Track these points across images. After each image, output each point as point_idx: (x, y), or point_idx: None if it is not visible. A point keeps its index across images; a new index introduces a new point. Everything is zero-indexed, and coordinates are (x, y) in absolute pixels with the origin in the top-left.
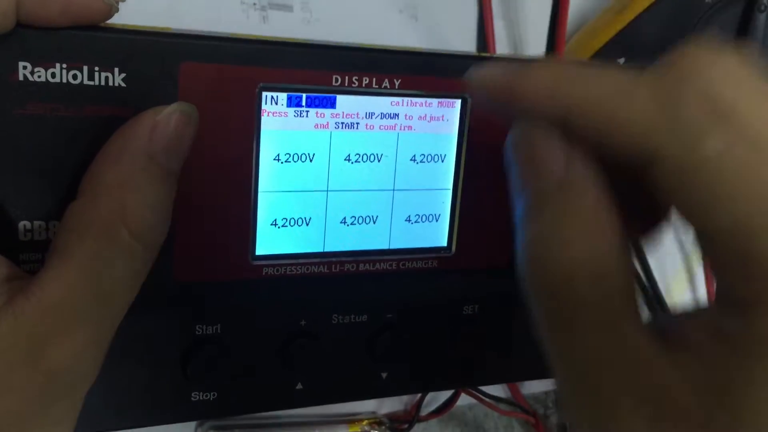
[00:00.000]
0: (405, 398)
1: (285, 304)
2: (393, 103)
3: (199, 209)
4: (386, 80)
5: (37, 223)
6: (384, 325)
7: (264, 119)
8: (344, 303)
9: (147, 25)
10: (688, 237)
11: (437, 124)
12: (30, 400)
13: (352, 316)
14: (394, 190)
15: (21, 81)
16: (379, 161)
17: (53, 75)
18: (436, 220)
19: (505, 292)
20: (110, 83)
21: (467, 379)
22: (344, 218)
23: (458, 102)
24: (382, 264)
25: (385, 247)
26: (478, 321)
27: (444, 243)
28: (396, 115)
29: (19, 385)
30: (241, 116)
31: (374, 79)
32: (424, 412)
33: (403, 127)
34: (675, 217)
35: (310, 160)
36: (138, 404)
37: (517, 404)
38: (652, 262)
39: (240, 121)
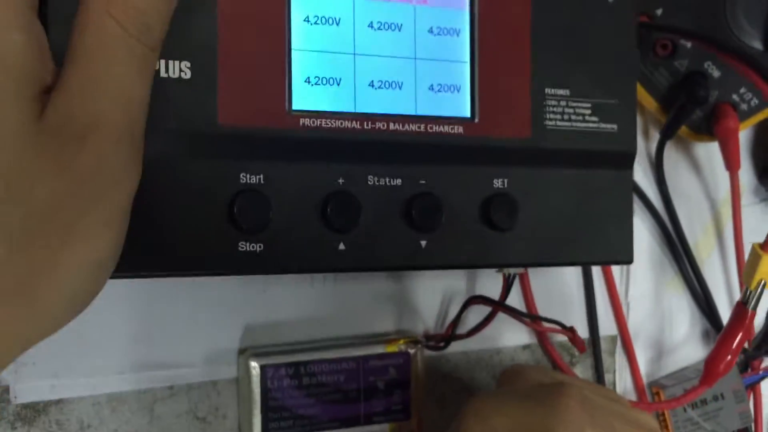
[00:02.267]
0: (438, 318)
1: (322, 160)
2: None
3: (241, 58)
4: None
5: None
6: (419, 192)
7: None
8: (378, 164)
9: None
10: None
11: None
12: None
13: (387, 179)
14: (415, 58)
15: None
16: (399, 30)
17: None
18: (458, 91)
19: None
20: None
21: (504, 256)
22: (372, 81)
23: None
24: (411, 126)
25: (412, 112)
26: (508, 193)
27: (467, 113)
28: None
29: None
30: None
31: None
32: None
33: (419, 0)
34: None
35: (337, 24)
36: (187, 250)
37: (552, 320)
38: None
39: None
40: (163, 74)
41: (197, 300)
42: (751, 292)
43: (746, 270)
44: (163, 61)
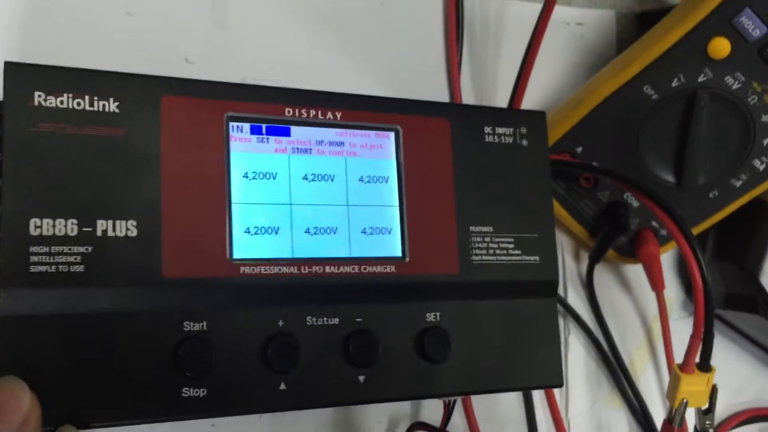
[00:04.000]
0: None
1: (263, 305)
2: (338, 134)
3: (183, 215)
4: (330, 113)
5: (45, 220)
6: (355, 330)
7: (232, 143)
8: (316, 305)
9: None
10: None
11: (378, 150)
12: None
13: (325, 319)
14: (348, 205)
15: (35, 106)
16: (332, 181)
17: (61, 102)
18: (389, 233)
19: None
20: (106, 109)
21: (440, 386)
22: (308, 228)
23: (392, 134)
24: (346, 267)
25: (347, 255)
26: (440, 326)
27: (399, 253)
28: (342, 143)
29: None
30: (213, 140)
31: (319, 112)
32: None
33: (349, 153)
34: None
35: (274, 178)
36: (133, 399)
37: None
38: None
39: (213, 144)
40: (110, 233)
41: None
42: (675, 411)
43: (669, 390)
44: (110, 222)
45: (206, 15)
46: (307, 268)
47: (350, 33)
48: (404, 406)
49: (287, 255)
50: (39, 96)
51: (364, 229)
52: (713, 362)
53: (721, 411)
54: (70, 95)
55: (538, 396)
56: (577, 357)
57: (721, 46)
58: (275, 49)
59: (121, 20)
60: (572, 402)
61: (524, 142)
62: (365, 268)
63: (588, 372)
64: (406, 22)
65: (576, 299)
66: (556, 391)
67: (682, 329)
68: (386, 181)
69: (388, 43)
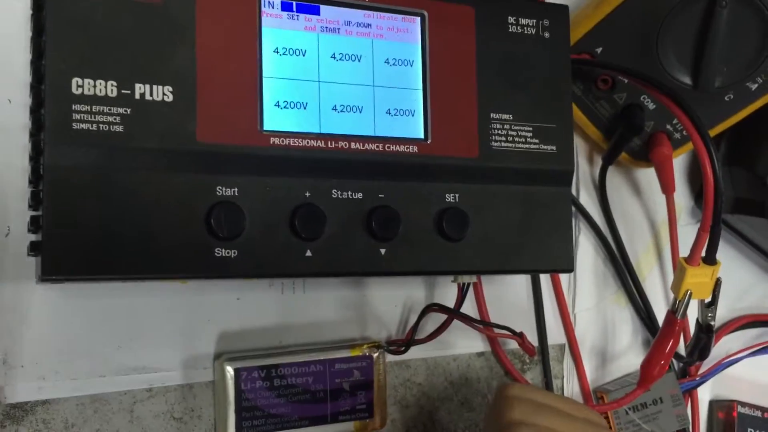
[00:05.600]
0: (399, 325)
1: (291, 176)
2: (366, 15)
3: (217, 85)
4: None
5: (86, 80)
6: (378, 205)
7: (264, 19)
8: (341, 179)
9: None
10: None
11: (403, 34)
12: None
13: (350, 193)
14: (374, 86)
15: None
16: (359, 61)
17: None
18: (412, 115)
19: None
20: None
21: (456, 263)
22: (335, 106)
23: (418, 19)
24: (370, 145)
25: (371, 133)
26: (458, 207)
27: (421, 135)
28: (369, 25)
29: None
30: (246, 14)
31: None
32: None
33: (375, 35)
34: None
35: (303, 55)
36: (166, 254)
37: (503, 326)
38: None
39: (245, 18)
40: (147, 97)
41: (176, 309)
42: (679, 302)
43: (674, 282)
44: (147, 86)
45: None
46: (333, 143)
47: None
48: (419, 292)
49: (315, 130)
50: None
51: (389, 110)
52: None
53: (723, 315)
54: None
55: (546, 290)
56: (586, 256)
57: None
58: None
59: None
60: (579, 298)
61: (546, 35)
62: (389, 147)
63: (596, 271)
64: None
65: (588, 200)
66: (564, 286)
67: (688, 234)
68: (411, 65)
69: None
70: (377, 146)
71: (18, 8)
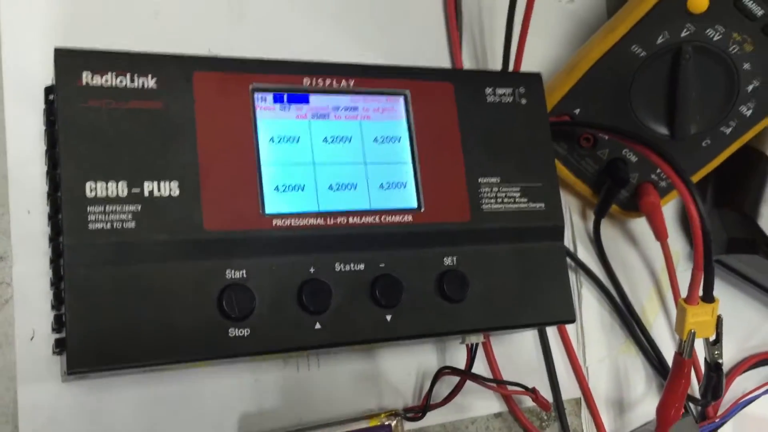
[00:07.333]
0: (414, 391)
1: (295, 253)
2: (352, 99)
3: (219, 176)
4: (344, 81)
5: (99, 183)
6: (380, 274)
7: (258, 111)
8: (343, 253)
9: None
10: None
11: (389, 113)
12: None
13: (352, 265)
14: (365, 163)
15: (84, 85)
16: (349, 142)
17: (106, 81)
18: (404, 187)
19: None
20: (146, 86)
21: (460, 323)
22: (331, 185)
23: (401, 98)
24: (367, 218)
25: (367, 207)
26: (457, 269)
27: (415, 204)
28: (356, 108)
29: None
30: (241, 109)
31: (334, 81)
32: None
33: (363, 117)
34: None
35: (297, 142)
36: (184, 338)
37: (515, 383)
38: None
39: (241, 112)
40: (156, 193)
41: (197, 394)
42: (684, 342)
43: (677, 323)
44: (155, 183)
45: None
46: (332, 219)
47: (359, 16)
48: (430, 357)
49: (314, 209)
50: (86, 76)
51: (382, 184)
52: (721, 308)
53: (733, 356)
54: (114, 74)
55: (556, 346)
56: (591, 308)
57: (699, 2)
58: (289, 29)
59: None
60: (589, 350)
61: (523, 101)
62: (385, 218)
63: (602, 322)
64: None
65: (585, 254)
66: (573, 340)
67: (689, 278)
68: (399, 141)
69: (393, 19)
70: (374, 219)
71: (30, 124)
